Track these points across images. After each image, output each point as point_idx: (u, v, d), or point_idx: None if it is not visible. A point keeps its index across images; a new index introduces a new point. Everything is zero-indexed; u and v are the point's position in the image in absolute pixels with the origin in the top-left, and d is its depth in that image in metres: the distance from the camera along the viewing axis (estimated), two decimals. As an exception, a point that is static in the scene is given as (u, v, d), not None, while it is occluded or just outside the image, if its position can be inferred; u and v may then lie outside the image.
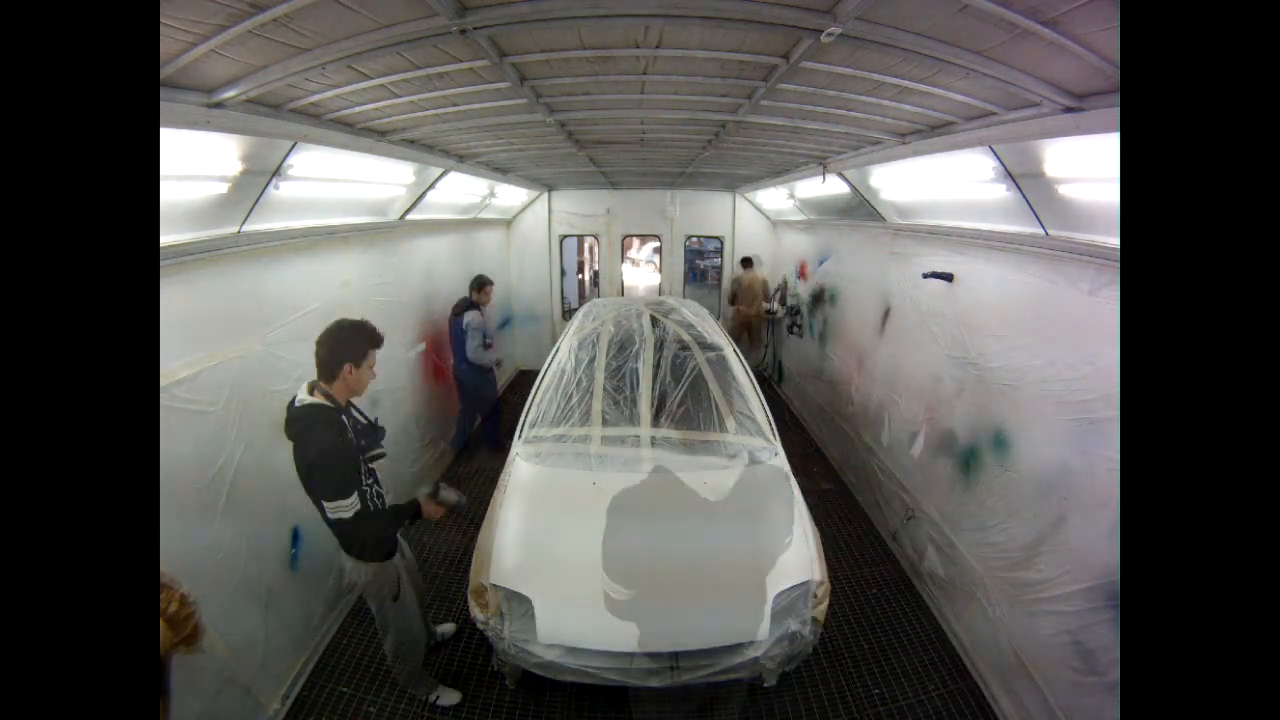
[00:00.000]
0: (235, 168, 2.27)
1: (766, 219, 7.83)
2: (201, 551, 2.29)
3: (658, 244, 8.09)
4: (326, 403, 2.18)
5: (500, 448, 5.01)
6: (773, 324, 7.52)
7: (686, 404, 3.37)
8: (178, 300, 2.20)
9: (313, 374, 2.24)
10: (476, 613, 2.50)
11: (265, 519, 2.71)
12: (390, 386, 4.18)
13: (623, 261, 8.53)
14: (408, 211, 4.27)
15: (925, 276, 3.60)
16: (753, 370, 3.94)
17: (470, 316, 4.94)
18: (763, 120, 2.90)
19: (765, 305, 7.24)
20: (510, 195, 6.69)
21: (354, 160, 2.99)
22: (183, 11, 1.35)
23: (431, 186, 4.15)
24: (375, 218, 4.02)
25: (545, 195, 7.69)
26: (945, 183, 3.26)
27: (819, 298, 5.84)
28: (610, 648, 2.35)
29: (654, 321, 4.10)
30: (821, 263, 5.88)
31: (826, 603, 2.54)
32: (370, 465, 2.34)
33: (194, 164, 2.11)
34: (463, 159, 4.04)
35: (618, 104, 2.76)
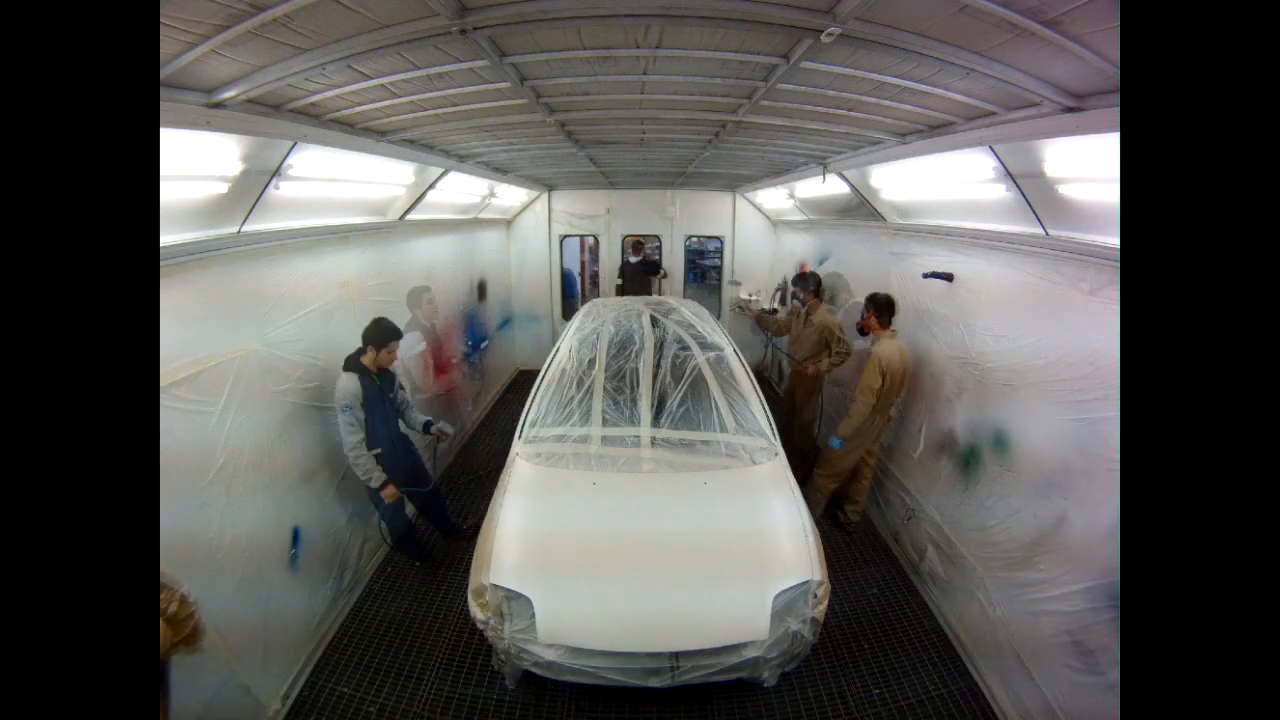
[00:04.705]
0: (235, 168, 2.26)
1: (766, 219, 7.82)
2: (202, 551, 2.29)
3: (657, 244, 8.08)
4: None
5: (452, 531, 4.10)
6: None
7: (687, 404, 3.37)
8: (178, 300, 2.20)
9: (311, 374, 2.24)
10: (476, 613, 2.50)
11: (265, 519, 2.71)
12: (390, 386, 4.17)
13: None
14: (408, 212, 4.26)
15: (925, 276, 3.61)
16: (752, 370, 3.93)
17: (342, 384, 3.01)
18: (763, 120, 2.90)
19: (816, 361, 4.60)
20: (510, 195, 6.68)
21: (354, 160, 2.98)
22: (183, 11, 1.35)
23: (431, 186, 4.14)
24: (375, 218, 4.01)
25: (545, 195, 7.68)
26: (945, 183, 3.25)
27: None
28: (610, 648, 2.35)
29: (654, 321, 4.10)
30: (821, 262, 5.88)
31: (826, 602, 2.54)
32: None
33: (194, 164, 2.11)
34: (463, 159, 4.03)
35: (618, 104, 2.76)
